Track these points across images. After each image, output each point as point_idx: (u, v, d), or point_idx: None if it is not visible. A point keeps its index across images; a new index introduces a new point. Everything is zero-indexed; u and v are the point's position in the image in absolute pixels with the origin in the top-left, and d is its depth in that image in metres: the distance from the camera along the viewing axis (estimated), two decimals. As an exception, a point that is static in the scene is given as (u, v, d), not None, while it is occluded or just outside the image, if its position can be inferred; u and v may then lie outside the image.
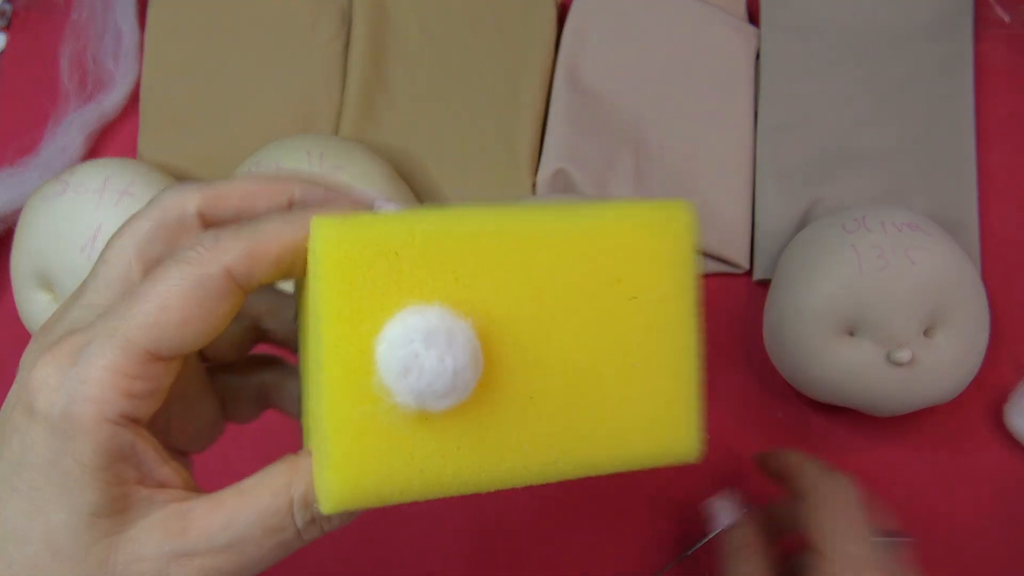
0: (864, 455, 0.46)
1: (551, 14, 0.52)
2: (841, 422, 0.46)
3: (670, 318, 0.25)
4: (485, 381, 0.23)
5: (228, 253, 0.23)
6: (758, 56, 0.52)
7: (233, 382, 0.29)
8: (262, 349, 0.29)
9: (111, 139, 0.52)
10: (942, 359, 0.42)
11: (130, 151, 0.51)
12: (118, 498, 0.22)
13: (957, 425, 0.47)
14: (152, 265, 0.24)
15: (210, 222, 0.25)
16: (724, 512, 0.41)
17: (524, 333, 0.24)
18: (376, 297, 0.22)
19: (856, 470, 0.46)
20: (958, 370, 0.42)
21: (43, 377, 0.22)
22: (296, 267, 0.24)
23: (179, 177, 0.48)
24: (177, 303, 0.22)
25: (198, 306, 0.22)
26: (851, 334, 0.42)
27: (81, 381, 0.22)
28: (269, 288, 0.27)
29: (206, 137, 0.50)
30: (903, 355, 0.41)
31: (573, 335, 0.24)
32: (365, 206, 0.25)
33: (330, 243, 0.22)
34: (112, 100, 0.52)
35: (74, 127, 0.51)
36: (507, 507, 0.46)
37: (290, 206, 0.25)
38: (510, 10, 0.52)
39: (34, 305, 0.44)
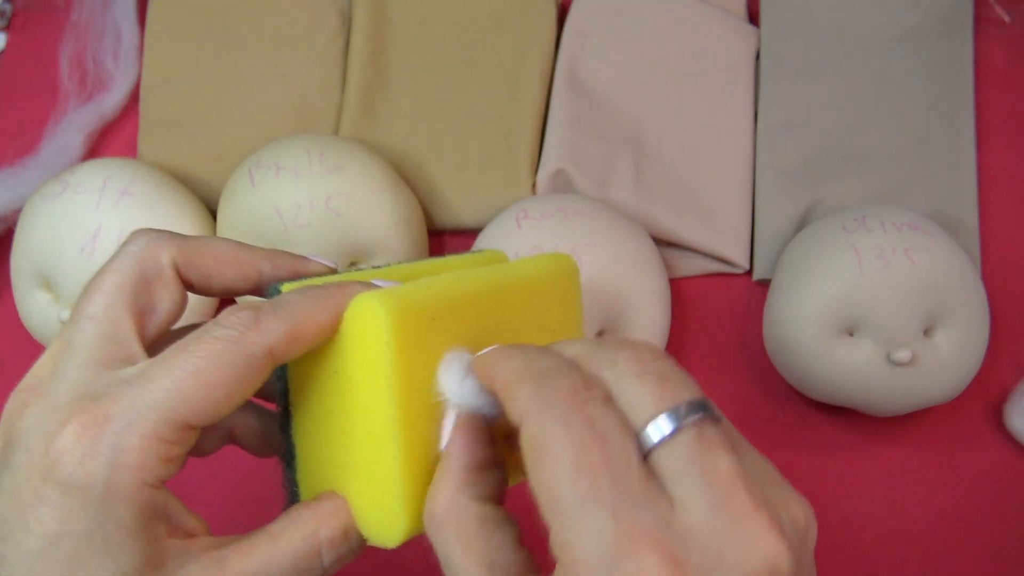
0: (864, 455, 0.46)
1: (551, 14, 0.52)
2: (841, 422, 0.46)
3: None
4: None
5: (270, 334, 0.24)
6: (758, 56, 0.52)
7: None
8: None
9: (111, 139, 0.52)
10: (942, 359, 0.42)
11: (130, 151, 0.51)
12: (156, 554, 0.23)
13: (957, 425, 0.47)
14: (141, 319, 0.26)
15: (183, 278, 0.27)
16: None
17: None
18: (423, 355, 0.27)
19: (856, 470, 0.46)
20: (958, 370, 0.42)
21: (73, 447, 0.23)
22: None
23: (179, 177, 0.48)
24: (221, 379, 0.24)
25: (240, 382, 0.24)
26: (851, 334, 0.42)
27: (123, 450, 0.23)
28: None
29: (206, 137, 0.50)
30: (903, 355, 0.41)
31: None
32: (330, 270, 0.29)
33: (390, 317, 0.25)
34: (112, 100, 0.52)
35: (74, 127, 0.51)
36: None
37: (259, 280, 0.28)
38: (510, 10, 0.52)
39: (34, 305, 0.44)
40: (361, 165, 0.44)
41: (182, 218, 0.45)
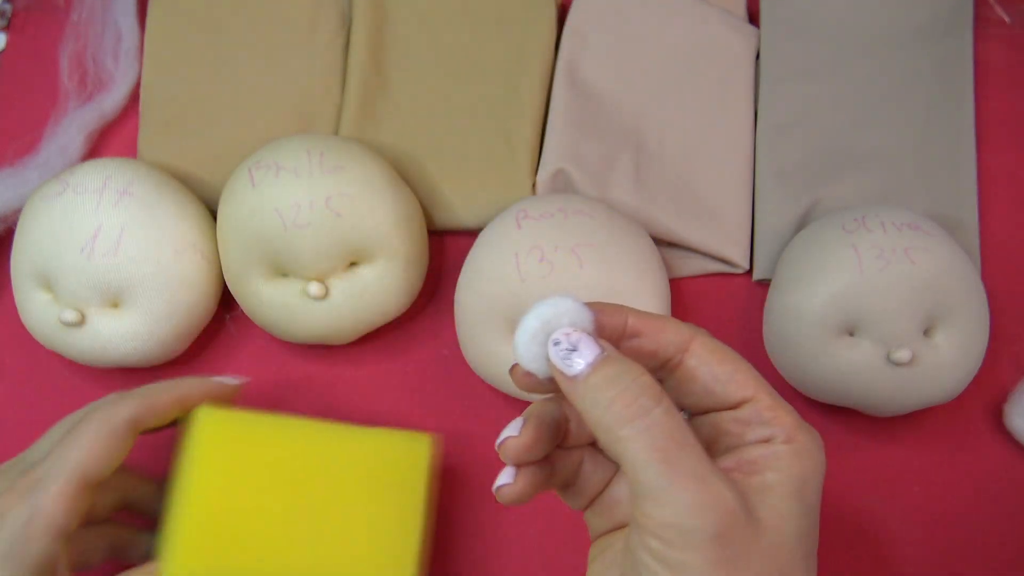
0: (864, 455, 0.46)
1: (551, 14, 0.52)
2: (841, 422, 0.46)
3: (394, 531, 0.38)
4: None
5: (129, 409, 0.36)
6: (758, 56, 0.52)
7: (90, 536, 0.39)
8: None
9: (111, 139, 0.52)
10: (942, 359, 0.42)
11: (130, 151, 0.51)
12: None
13: (957, 425, 0.47)
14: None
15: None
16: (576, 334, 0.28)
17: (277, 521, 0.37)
18: (229, 461, 0.37)
19: (856, 470, 0.46)
20: (958, 370, 0.42)
21: (6, 504, 0.33)
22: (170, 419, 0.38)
23: (179, 177, 0.48)
24: (102, 445, 0.35)
25: (116, 444, 0.35)
26: (851, 334, 0.42)
27: (38, 503, 0.33)
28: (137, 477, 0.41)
29: (206, 137, 0.50)
30: (903, 355, 0.41)
31: (308, 524, 0.37)
32: (235, 388, 0.41)
33: (202, 418, 0.37)
34: (112, 100, 0.52)
35: (74, 127, 0.51)
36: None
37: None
38: (510, 10, 0.52)
39: (34, 305, 0.44)
40: (361, 165, 0.44)
41: (181, 219, 0.45)
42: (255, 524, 0.36)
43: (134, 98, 0.52)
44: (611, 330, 0.29)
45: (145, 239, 0.43)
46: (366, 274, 0.44)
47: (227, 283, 0.46)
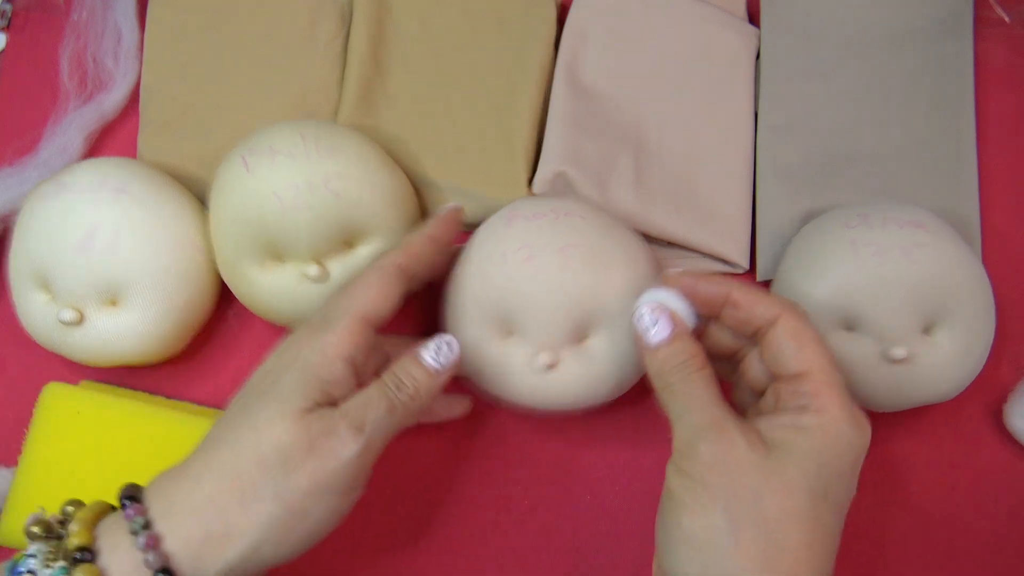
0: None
1: (551, 12, 0.52)
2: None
3: None
4: None
5: (394, 256, 0.40)
6: (758, 56, 0.52)
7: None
8: None
9: (111, 139, 0.52)
10: (941, 358, 0.42)
11: (130, 151, 0.51)
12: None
13: (957, 425, 0.47)
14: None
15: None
16: (667, 312, 0.38)
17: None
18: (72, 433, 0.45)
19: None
20: (958, 369, 0.42)
21: (304, 340, 0.37)
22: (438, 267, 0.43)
23: (179, 177, 0.48)
24: (374, 288, 0.39)
25: (389, 289, 0.39)
26: (849, 329, 0.42)
27: (328, 337, 0.37)
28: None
29: (206, 137, 0.50)
30: (899, 352, 0.41)
31: None
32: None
33: (48, 391, 0.45)
34: (112, 100, 0.52)
35: (74, 127, 0.51)
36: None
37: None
38: (510, 9, 0.52)
39: (33, 306, 0.44)
40: (356, 145, 0.44)
41: (179, 216, 0.45)
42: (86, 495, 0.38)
43: (134, 98, 0.52)
44: (712, 298, 0.38)
45: (142, 236, 0.43)
46: (364, 254, 0.44)
47: (222, 274, 0.45)
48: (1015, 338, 0.48)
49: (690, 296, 0.38)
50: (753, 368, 0.38)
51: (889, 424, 0.46)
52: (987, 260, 0.48)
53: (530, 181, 0.49)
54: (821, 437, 0.34)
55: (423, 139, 0.50)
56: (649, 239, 0.49)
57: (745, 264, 0.49)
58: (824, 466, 0.33)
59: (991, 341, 0.43)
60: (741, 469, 0.33)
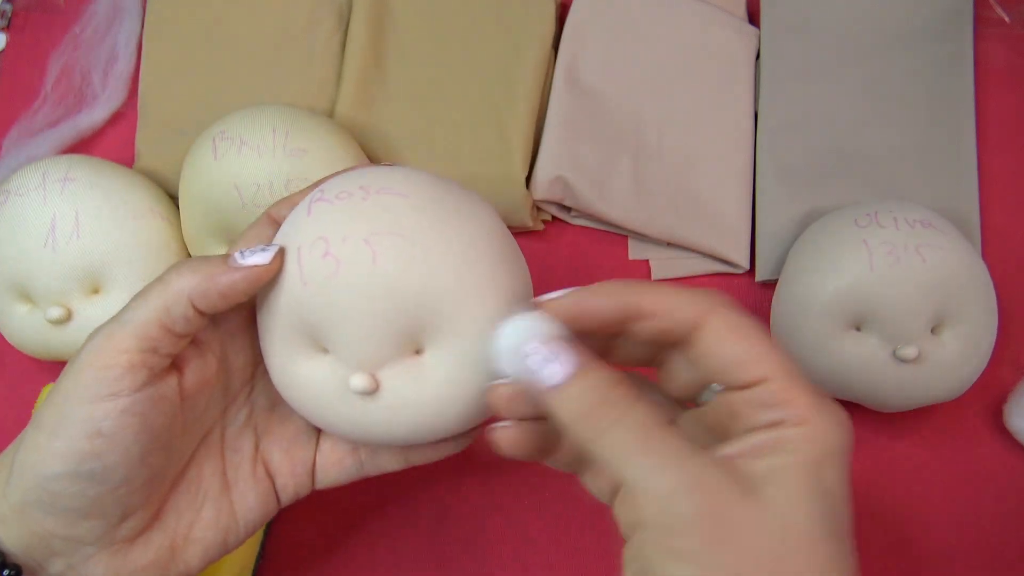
0: (865, 452, 0.46)
1: (550, 10, 0.52)
2: (842, 420, 0.46)
3: None
4: None
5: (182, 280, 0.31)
6: (758, 56, 0.52)
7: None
8: None
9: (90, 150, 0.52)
10: (948, 357, 0.42)
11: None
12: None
13: (957, 425, 0.47)
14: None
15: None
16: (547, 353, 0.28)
17: None
18: None
19: (856, 467, 0.45)
20: (963, 369, 0.42)
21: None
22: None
23: (179, 177, 0.48)
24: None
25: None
26: (857, 328, 0.42)
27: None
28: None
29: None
30: (909, 352, 0.41)
31: None
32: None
33: None
34: (91, 119, 0.51)
35: (47, 144, 0.50)
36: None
37: None
38: (510, 6, 0.52)
39: (16, 320, 0.44)
40: (326, 149, 0.44)
41: (130, 188, 0.45)
42: None
43: (111, 121, 0.52)
44: (609, 315, 0.29)
45: (102, 216, 0.43)
46: None
47: (187, 245, 0.46)
48: (1015, 338, 0.48)
49: (577, 320, 0.29)
50: (679, 377, 0.31)
51: (889, 422, 0.46)
52: (987, 260, 0.48)
53: (527, 178, 0.49)
54: (812, 452, 0.27)
55: (420, 136, 0.50)
56: (649, 239, 0.49)
57: (745, 264, 0.49)
58: (828, 494, 0.27)
59: (995, 340, 0.43)
60: (748, 533, 0.25)
